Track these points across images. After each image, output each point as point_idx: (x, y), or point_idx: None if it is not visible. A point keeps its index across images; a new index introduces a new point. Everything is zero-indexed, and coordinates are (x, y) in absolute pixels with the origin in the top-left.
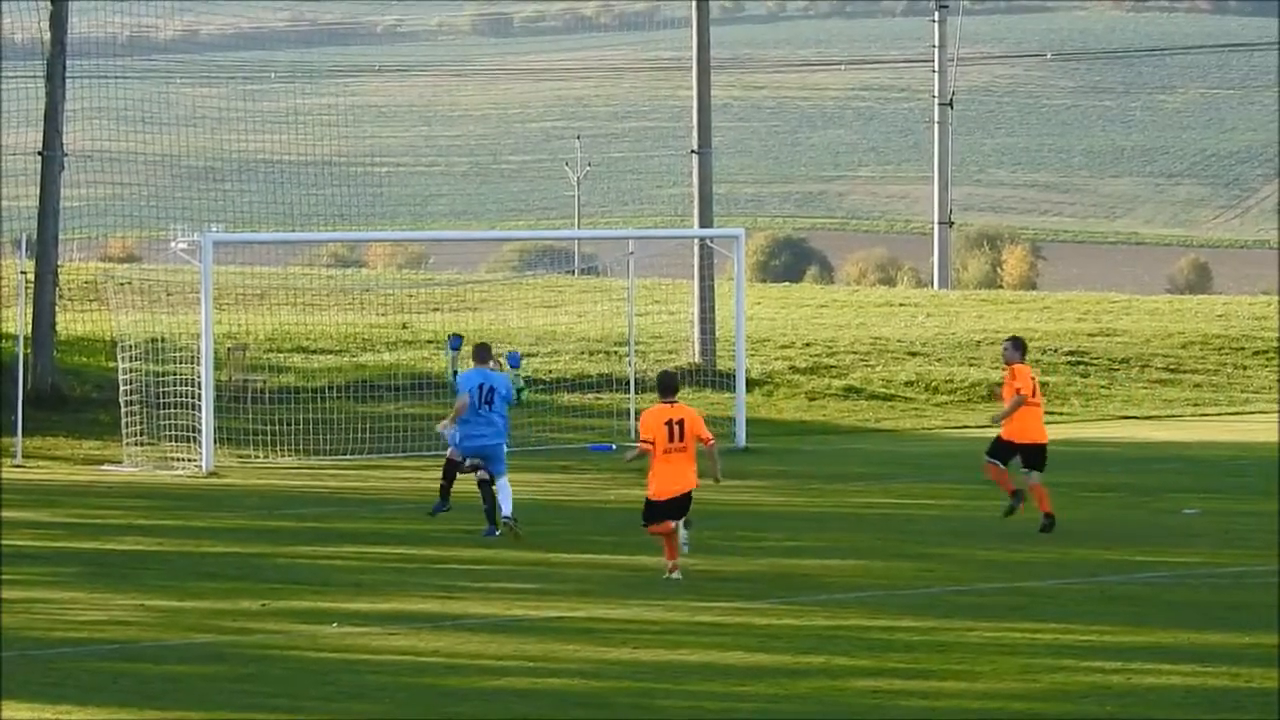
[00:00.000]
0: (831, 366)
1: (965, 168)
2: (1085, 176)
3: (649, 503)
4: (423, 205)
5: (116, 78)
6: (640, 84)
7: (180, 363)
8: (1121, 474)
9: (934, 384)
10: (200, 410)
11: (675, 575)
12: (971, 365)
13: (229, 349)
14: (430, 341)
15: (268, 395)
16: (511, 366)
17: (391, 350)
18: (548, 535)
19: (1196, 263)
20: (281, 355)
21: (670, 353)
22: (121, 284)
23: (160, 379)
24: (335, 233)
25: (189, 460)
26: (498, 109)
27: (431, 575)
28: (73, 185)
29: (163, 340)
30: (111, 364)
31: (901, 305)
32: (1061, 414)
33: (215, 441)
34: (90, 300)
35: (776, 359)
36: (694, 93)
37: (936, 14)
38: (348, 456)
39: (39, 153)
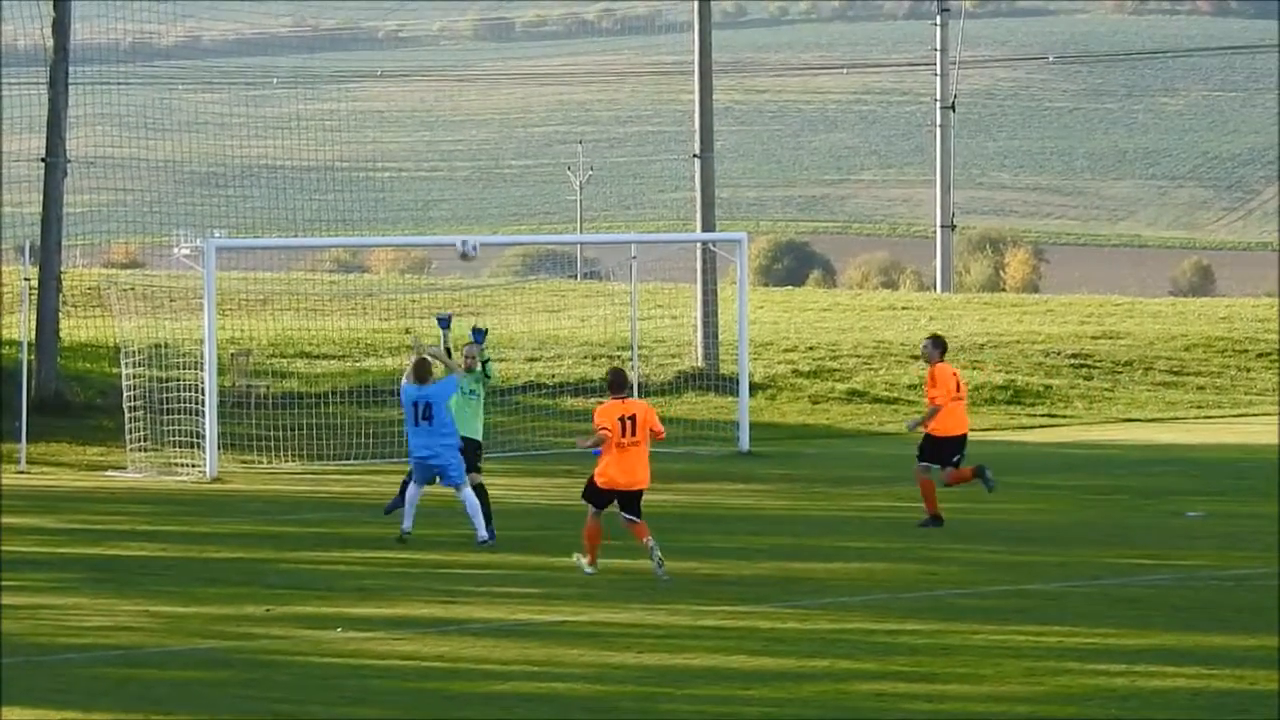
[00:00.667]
0: (834, 370)
1: (967, 171)
2: (1088, 179)
3: (592, 484)
4: (425, 210)
5: (119, 84)
6: (642, 88)
7: (183, 368)
8: (1125, 476)
9: None
10: (204, 416)
11: (590, 569)
12: (974, 368)
13: (232, 354)
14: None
15: (271, 400)
16: (475, 342)
17: (395, 355)
18: (551, 540)
19: (1199, 265)
20: (285, 360)
21: (673, 357)
22: (125, 290)
23: (164, 385)
24: (338, 238)
25: (193, 466)
26: (499, 114)
27: (435, 580)
28: (76, 191)
29: (166, 346)
30: (115, 370)
31: (904, 309)
32: (1065, 416)
33: (219, 447)
34: (93, 306)
35: (779, 363)
36: (696, 97)
37: (938, 17)
38: (351, 461)
39: (42, 159)
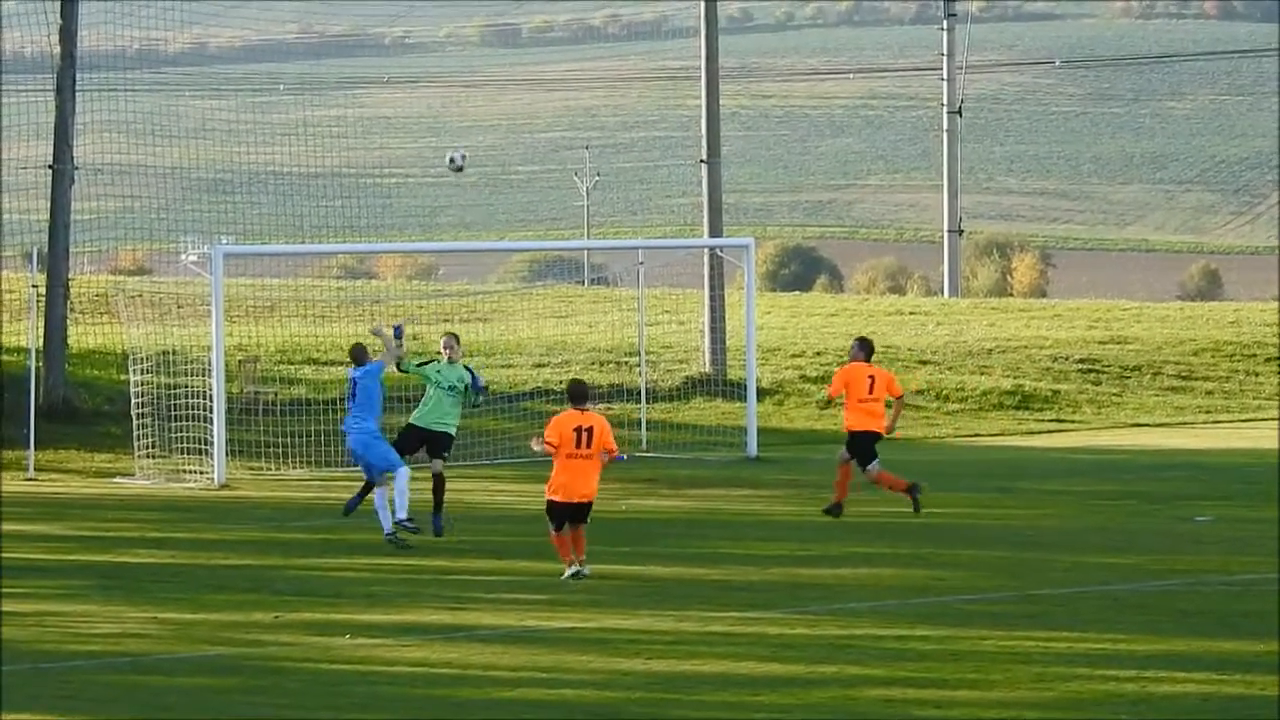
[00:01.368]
0: None
1: (974, 175)
2: (1095, 184)
3: (550, 503)
4: (432, 216)
5: (126, 90)
6: (649, 93)
7: (192, 375)
8: (1133, 481)
9: (945, 392)
10: (212, 423)
11: (573, 571)
12: (982, 374)
13: (240, 361)
14: (440, 353)
15: (279, 407)
16: (395, 338)
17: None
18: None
19: (1207, 269)
20: (293, 367)
21: (681, 362)
22: (132, 297)
23: (172, 391)
24: (345, 244)
25: (201, 473)
26: (506, 119)
27: (443, 586)
28: (83, 198)
29: (174, 353)
30: (123, 377)
31: (911, 314)
32: (1073, 421)
33: (227, 454)
34: (101, 313)
35: (787, 368)
36: (702, 102)
37: (945, 22)
38: (359, 468)
39: (49, 166)
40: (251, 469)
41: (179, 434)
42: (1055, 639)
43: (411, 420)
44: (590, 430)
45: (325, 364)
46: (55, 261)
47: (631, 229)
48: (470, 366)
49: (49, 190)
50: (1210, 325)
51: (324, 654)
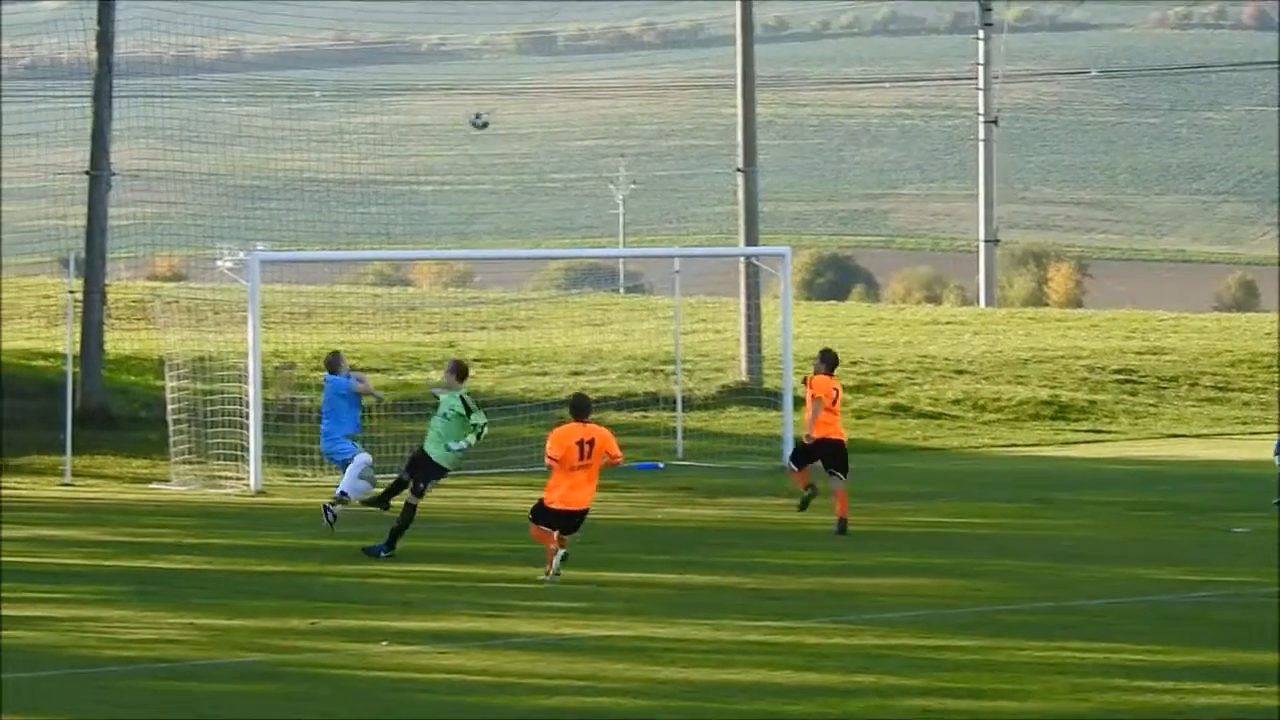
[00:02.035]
0: (878, 385)
1: (1010, 185)
2: (1131, 194)
3: (541, 505)
4: (467, 224)
5: (162, 97)
6: (684, 102)
7: (228, 381)
8: (1170, 492)
9: (981, 402)
10: (248, 429)
11: (552, 576)
12: (1019, 384)
13: (276, 367)
14: (477, 359)
15: (315, 414)
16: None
17: (438, 368)
18: (596, 554)
19: (1243, 280)
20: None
21: (717, 371)
22: (169, 303)
23: (208, 398)
24: (381, 251)
25: (237, 479)
26: (542, 127)
27: (480, 594)
28: (120, 204)
29: (210, 359)
30: (159, 383)
31: (948, 323)
32: (1110, 432)
33: (263, 460)
34: (137, 319)
35: None
36: (739, 110)
37: (981, 31)
38: (394, 475)
39: (86, 172)
40: (287, 475)
41: (215, 440)
42: (1092, 650)
43: None
44: (591, 443)
45: (361, 370)
46: (92, 267)
47: (667, 237)
48: (468, 398)
49: (86, 196)
50: (1247, 336)
51: (360, 661)
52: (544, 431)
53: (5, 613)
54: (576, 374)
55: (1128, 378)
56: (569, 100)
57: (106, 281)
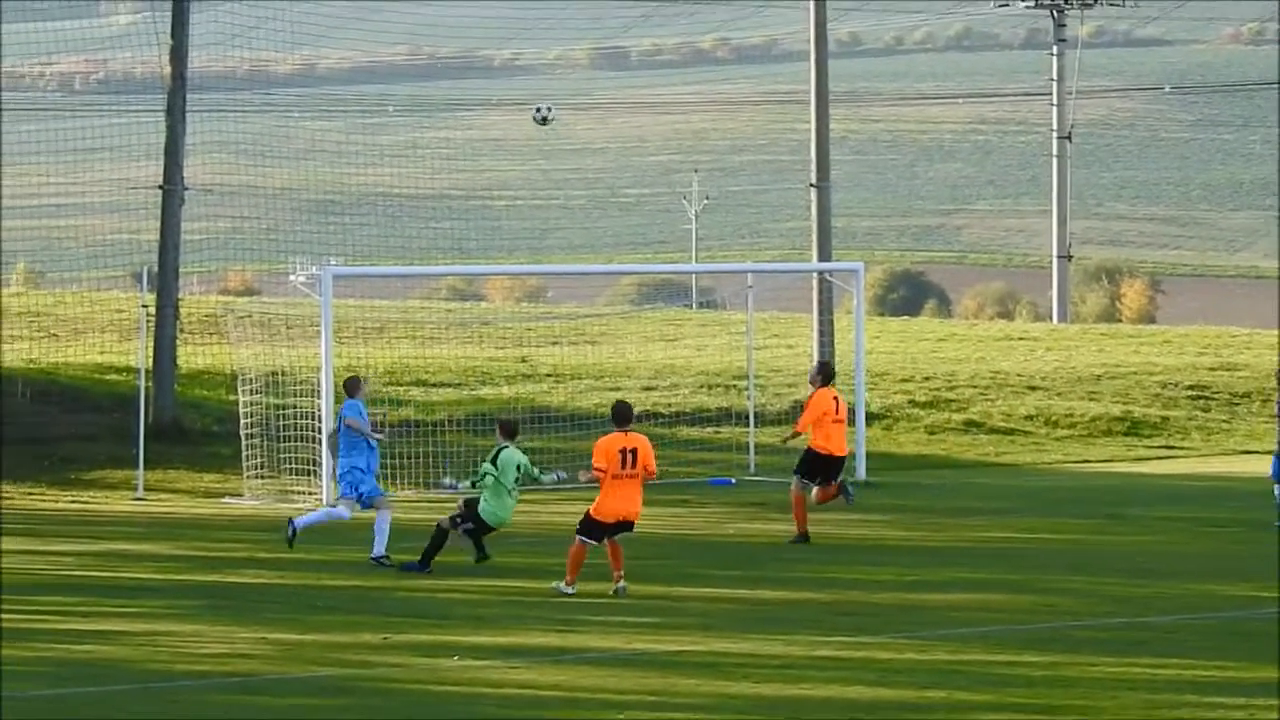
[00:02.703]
0: (951, 400)
1: (1083, 201)
2: (1204, 210)
3: (591, 518)
4: (541, 239)
5: (236, 111)
6: (758, 117)
7: (300, 396)
8: (1242, 508)
9: (1054, 418)
10: (320, 443)
11: (569, 590)
12: (1092, 400)
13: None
14: (549, 375)
15: (387, 428)
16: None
17: (510, 384)
18: (668, 569)
19: None
20: (400, 389)
21: (789, 386)
22: (241, 317)
23: (280, 412)
24: (453, 266)
25: (309, 493)
26: (615, 142)
27: (551, 609)
28: (193, 219)
29: (283, 373)
30: (232, 397)
31: (1020, 339)
32: (1182, 448)
33: (335, 475)
34: (210, 333)
35: (896, 393)
36: (812, 125)
37: (1055, 47)
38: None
39: (160, 186)
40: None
41: (287, 454)
42: (1163, 666)
43: None
44: (634, 451)
45: (433, 386)
46: (165, 282)
47: (740, 253)
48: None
49: (159, 210)
50: None
51: (431, 676)
52: None
53: (78, 627)
54: (649, 389)
55: (1200, 394)
56: (642, 115)
57: (180, 296)
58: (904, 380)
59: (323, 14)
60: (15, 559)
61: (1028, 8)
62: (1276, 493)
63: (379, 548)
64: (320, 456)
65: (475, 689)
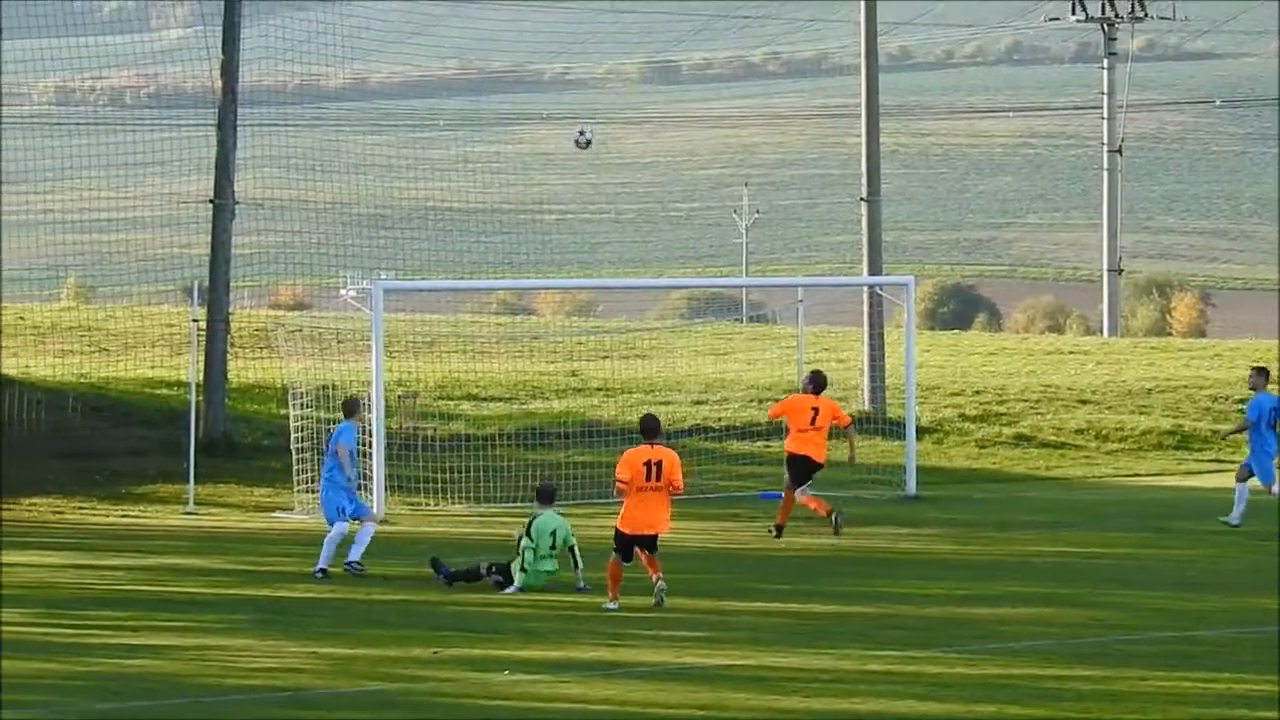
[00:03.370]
0: (1001, 414)
1: (1134, 215)
2: (1255, 223)
3: (619, 533)
4: (591, 253)
5: (287, 126)
6: (808, 131)
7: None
8: None
9: (1104, 432)
10: (371, 458)
11: (613, 606)
12: (1142, 413)
13: (399, 396)
14: (600, 389)
15: (438, 442)
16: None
17: (561, 398)
18: (718, 583)
19: None
20: (451, 403)
21: (840, 400)
22: (292, 331)
23: (331, 426)
24: (504, 280)
25: None
26: (665, 156)
27: (601, 623)
28: (243, 233)
29: (333, 388)
30: (282, 411)
31: (1070, 353)
32: (1233, 462)
33: (386, 489)
34: (261, 348)
35: (946, 406)
36: (862, 139)
37: (1105, 61)
38: (518, 504)
39: (210, 200)
40: (410, 504)
41: None
42: (1214, 680)
43: None
44: (659, 464)
45: (484, 400)
46: (216, 296)
47: (790, 267)
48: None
49: (210, 225)
50: None
51: (482, 690)
52: None
53: (129, 641)
54: (699, 403)
55: None
56: (693, 129)
57: (230, 310)
58: (954, 394)
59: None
60: (67, 573)
61: (1078, 22)
62: (1237, 490)
63: (355, 553)
64: (371, 470)
65: (525, 703)
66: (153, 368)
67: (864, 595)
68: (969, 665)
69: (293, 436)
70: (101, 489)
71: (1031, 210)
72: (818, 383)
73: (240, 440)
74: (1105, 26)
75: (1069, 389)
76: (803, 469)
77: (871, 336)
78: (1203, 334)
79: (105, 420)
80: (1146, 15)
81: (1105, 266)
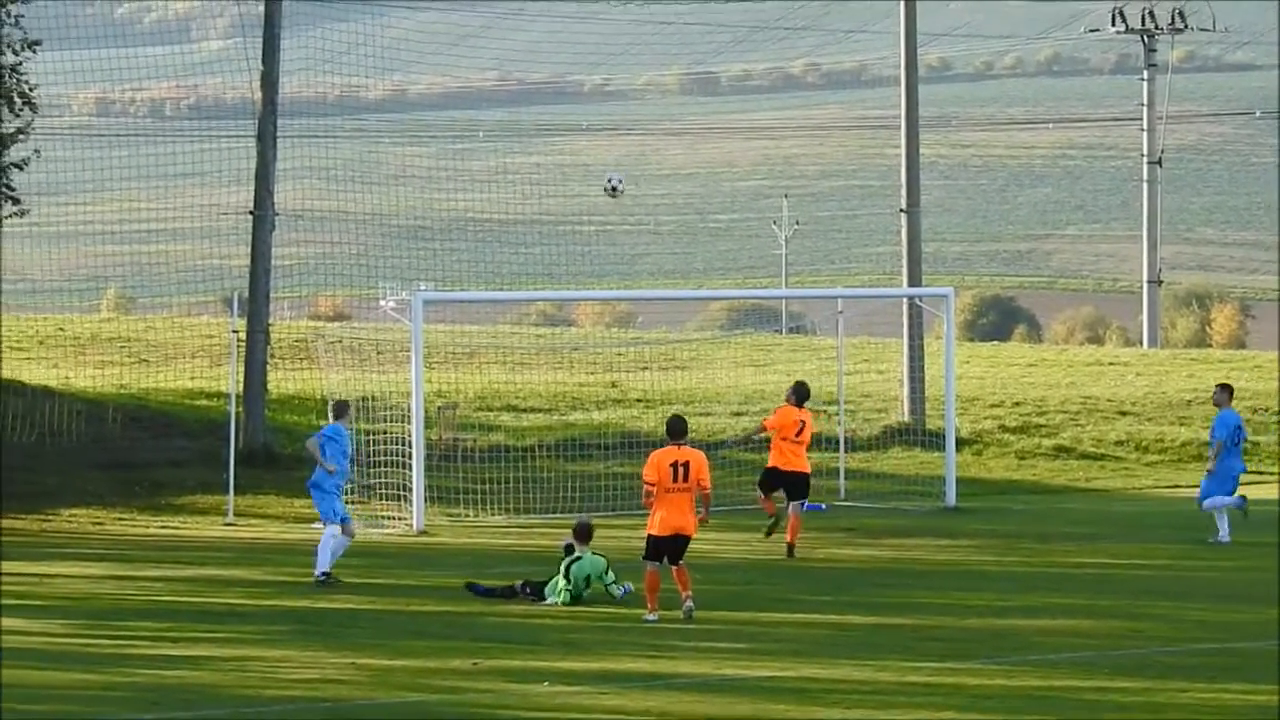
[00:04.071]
0: (1041, 425)
1: (1174, 226)
2: None
3: (649, 537)
4: (630, 264)
5: (326, 137)
6: (848, 142)
7: (391, 421)
8: None
9: (1144, 443)
10: (411, 469)
11: (652, 618)
12: (1182, 425)
13: (439, 407)
14: (639, 400)
15: (478, 454)
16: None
17: (600, 409)
18: (758, 594)
19: None
20: (491, 414)
21: (879, 411)
22: (332, 342)
23: (370, 437)
24: (543, 291)
25: (400, 519)
26: (705, 167)
27: (642, 634)
28: (283, 244)
29: (373, 399)
30: (322, 422)
31: (1110, 364)
32: (1273, 473)
33: (426, 500)
34: (301, 359)
35: (986, 418)
36: (902, 151)
37: (1145, 72)
38: (557, 515)
39: (250, 212)
40: (450, 515)
41: (378, 480)
42: (1255, 691)
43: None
44: (686, 465)
45: (524, 411)
46: (256, 307)
47: (830, 278)
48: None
49: (250, 236)
50: None
51: (522, 701)
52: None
53: (168, 652)
54: (739, 414)
55: None
56: (732, 140)
57: (270, 321)
58: (994, 405)
59: (414, 40)
60: (107, 584)
61: (1118, 33)
62: (1205, 505)
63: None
64: (410, 482)
65: (566, 715)
66: (193, 379)
67: (903, 607)
68: (1009, 677)
69: None
70: (141, 500)
71: (1071, 222)
72: (801, 393)
73: (280, 451)
74: (1145, 38)
75: (1109, 400)
76: (783, 480)
77: (911, 348)
78: (1243, 345)
79: (145, 431)
80: (1187, 26)
81: (1145, 278)
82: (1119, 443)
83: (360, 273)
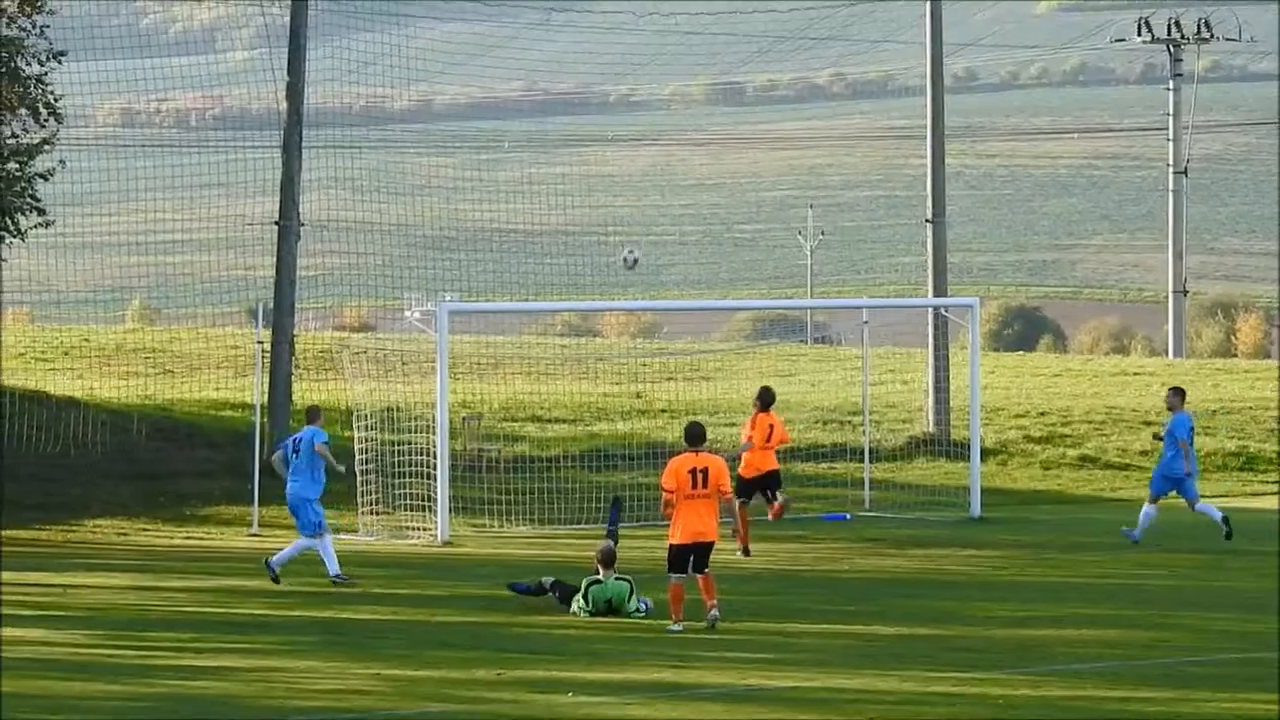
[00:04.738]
0: (1066, 436)
1: (1199, 236)
2: None
3: (671, 547)
4: (656, 274)
5: (351, 148)
6: (873, 152)
7: (415, 432)
8: None
9: None
10: (435, 479)
11: (677, 628)
12: (1207, 435)
13: (464, 418)
14: (664, 410)
15: (502, 464)
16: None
17: (625, 420)
18: (782, 604)
19: None
20: (516, 424)
21: (904, 422)
22: (357, 353)
23: (395, 448)
24: (568, 302)
25: (424, 529)
26: (730, 177)
27: (666, 644)
28: (308, 254)
29: (398, 409)
30: (347, 433)
31: (1135, 374)
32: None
33: (450, 510)
34: (326, 369)
35: (1011, 428)
36: (928, 161)
37: (1171, 82)
38: (582, 526)
39: (275, 222)
40: (474, 526)
41: (402, 490)
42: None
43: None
44: (705, 471)
45: (549, 421)
46: (281, 317)
47: (855, 288)
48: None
49: (275, 246)
50: None
51: (547, 712)
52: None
53: (193, 663)
54: None
55: None
56: (757, 150)
57: (295, 332)
58: (1019, 416)
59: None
60: (131, 595)
61: (1144, 43)
62: (1145, 511)
63: (280, 558)
64: (434, 492)
65: None
66: (217, 389)
67: (928, 616)
68: (1034, 687)
69: (357, 459)
70: (166, 511)
71: (1096, 232)
72: (766, 399)
73: None
74: (1171, 48)
75: (1134, 410)
76: (757, 484)
77: (936, 358)
78: (1268, 355)
79: (170, 442)
80: (1213, 36)
81: (1170, 288)
82: (1144, 453)
83: (385, 283)
